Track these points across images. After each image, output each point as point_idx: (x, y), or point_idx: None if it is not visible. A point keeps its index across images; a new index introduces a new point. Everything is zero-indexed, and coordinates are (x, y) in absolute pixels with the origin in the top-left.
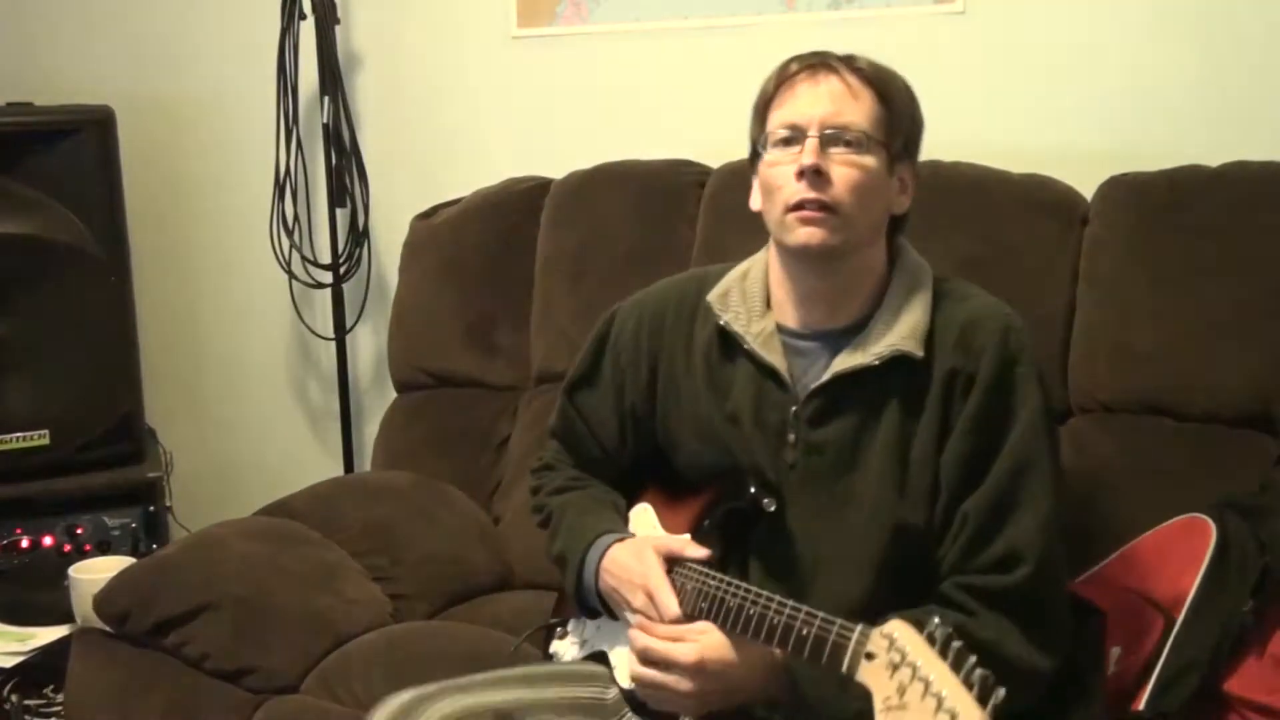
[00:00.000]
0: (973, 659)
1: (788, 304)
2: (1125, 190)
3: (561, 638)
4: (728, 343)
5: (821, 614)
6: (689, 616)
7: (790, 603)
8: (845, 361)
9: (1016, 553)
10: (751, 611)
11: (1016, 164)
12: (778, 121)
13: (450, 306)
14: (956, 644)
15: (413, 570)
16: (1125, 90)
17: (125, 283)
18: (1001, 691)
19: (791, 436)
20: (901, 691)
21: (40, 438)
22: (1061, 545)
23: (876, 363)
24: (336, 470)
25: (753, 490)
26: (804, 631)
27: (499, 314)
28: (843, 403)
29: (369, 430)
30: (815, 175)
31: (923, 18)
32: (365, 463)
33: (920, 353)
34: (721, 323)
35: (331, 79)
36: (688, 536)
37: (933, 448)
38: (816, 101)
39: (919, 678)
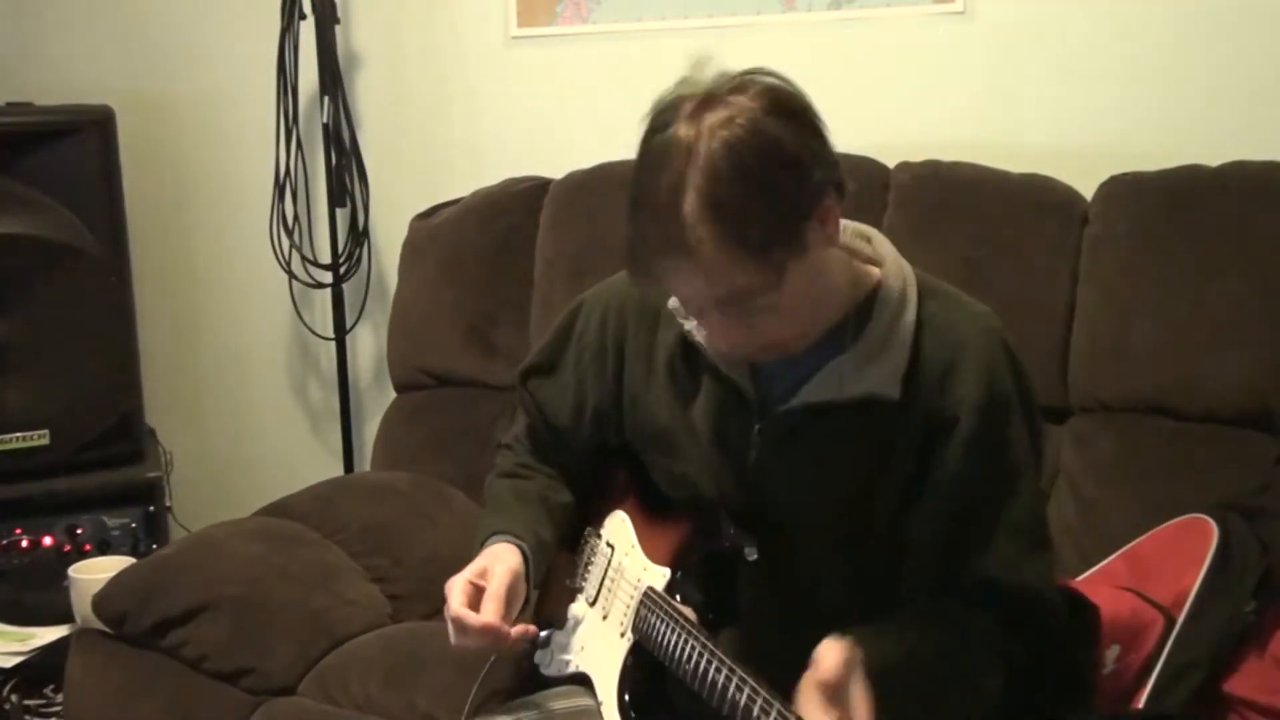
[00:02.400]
0: None
1: None
2: (1125, 190)
3: (544, 645)
4: (691, 349)
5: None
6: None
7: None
8: (815, 392)
9: (1025, 607)
10: (734, 693)
11: (1016, 164)
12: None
13: (450, 306)
14: None
15: (412, 571)
16: (1125, 90)
17: (125, 283)
18: None
19: (753, 455)
20: None
21: (40, 438)
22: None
23: (847, 402)
24: (336, 470)
25: (731, 532)
26: None
27: (499, 314)
28: (809, 429)
29: (369, 430)
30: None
31: (923, 18)
32: (365, 463)
33: (896, 395)
34: (684, 331)
35: (331, 79)
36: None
37: (902, 490)
38: (683, 285)
39: None
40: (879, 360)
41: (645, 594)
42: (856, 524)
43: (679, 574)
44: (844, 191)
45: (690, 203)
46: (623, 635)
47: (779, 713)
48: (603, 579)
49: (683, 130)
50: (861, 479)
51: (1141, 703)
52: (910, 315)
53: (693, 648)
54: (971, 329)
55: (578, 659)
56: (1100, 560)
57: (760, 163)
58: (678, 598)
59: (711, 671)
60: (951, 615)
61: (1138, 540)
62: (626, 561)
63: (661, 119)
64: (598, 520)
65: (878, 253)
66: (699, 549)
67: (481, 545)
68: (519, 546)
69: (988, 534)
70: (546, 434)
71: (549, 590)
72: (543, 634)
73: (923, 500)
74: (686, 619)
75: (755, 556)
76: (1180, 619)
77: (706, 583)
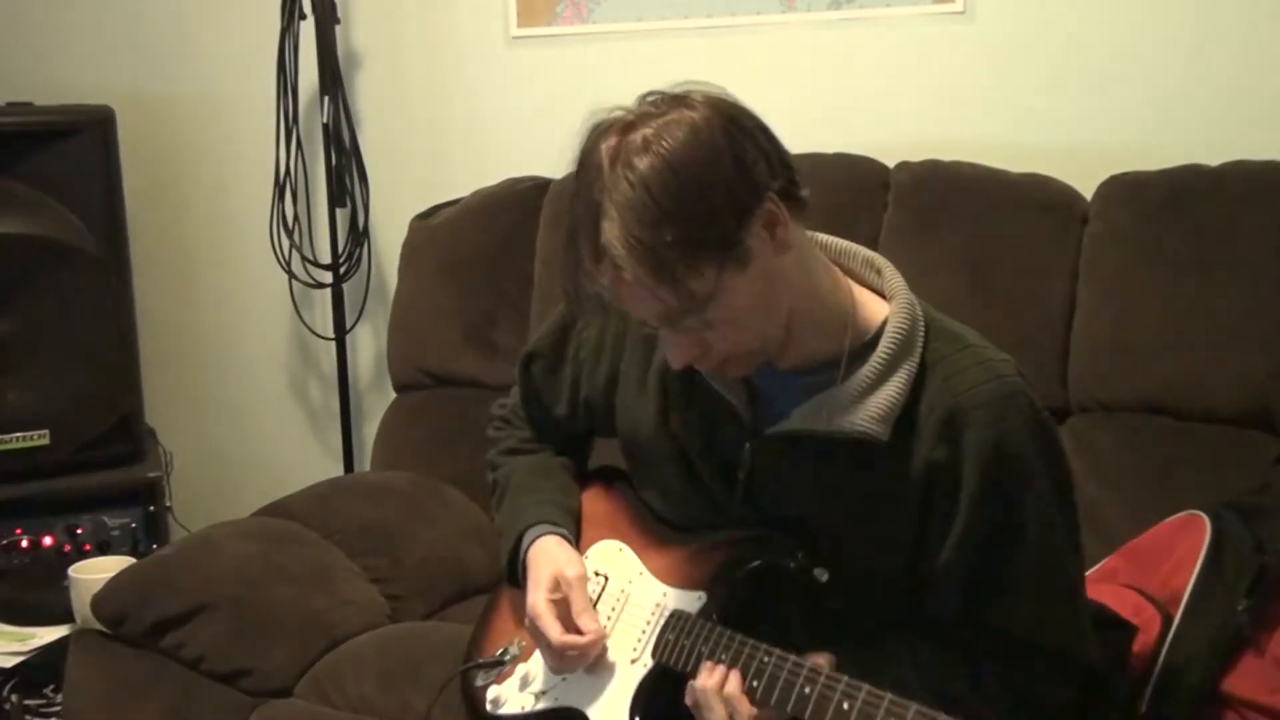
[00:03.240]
0: None
1: None
2: (1125, 190)
3: (502, 680)
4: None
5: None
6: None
7: (913, 706)
8: (801, 420)
9: (1060, 665)
10: (846, 706)
11: (1016, 164)
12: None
13: (450, 306)
14: None
15: (411, 571)
16: (1125, 90)
17: (125, 283)
18: None
19: (741, 475)
20: None
21: (40, 438)
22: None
23: (834, 434)
24: (336, 470)
25: (800, 555)
26: None
27: (499, 314)
28: (799, 456)
29: (369, 430)
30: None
31: (923, 18)
32: (365, 463)
33: (886, 436)
34: None
35: (331, 79)
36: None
37: (903, 537)
38: (624, 307)
39: None
40: (873, 398)
41: (671, 618)
42: (861, 561)
43: (714, 596)
44: (796, 195)
45: (609, 231)
46: (634, 663)
47: (916, 714)
48: (595, 608)
49: (604, 156)
50: (858, 515)
51: (1143, 704)
52: (914, 356)
53: (761, 663)
54: (982, 377)
55: (556, 692)
56: (1100, 560)
57: (679, 185)
58: (714, 617)
59: (797, 681)
60: (961, 660)
61: (1136, 538)
62: (633, 589)
63: (587, 144)
64: (579, 549)
65: (888, 286)
66: (744, 571)
67: (519, 536)
68: (562, 535)
69: (1002, 591)
70: (544, 417)
71: (494, 622)
72: (493, 670)
73: (929, 553)
74: (739, 636)
75: (826, 578)
76: (1176, 616)
77: (745, 603)
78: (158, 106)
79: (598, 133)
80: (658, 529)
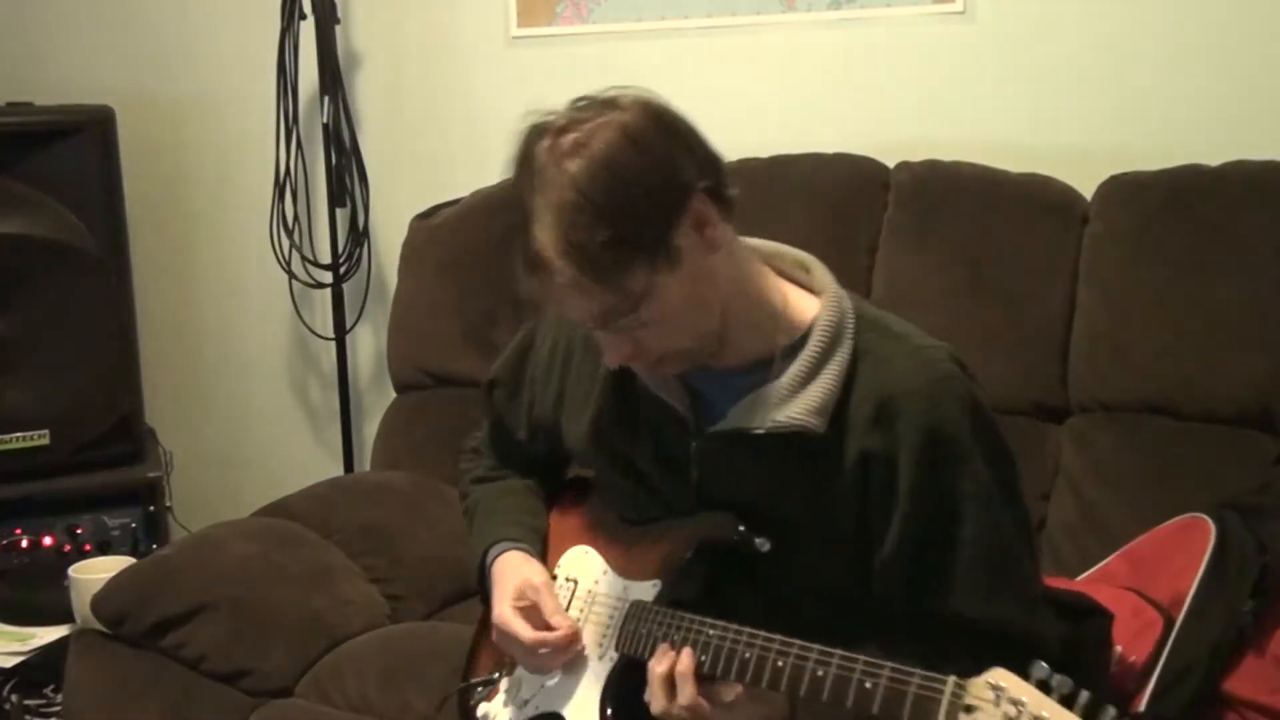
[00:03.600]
0: (1111, 709)
1: None
2: (1125, 190)
3: (491, 697)
4: (628, 372)
5: (890, 665)
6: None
7: (838, 652)
8: (738, 418)
9: (1013, 646)
10: (781, 664)
11: (1016, 164)
12: None
13: (450, 306)
14: (1084, 696)
15: (410, 571)
16: (1125, 90)
17: (125, 283)
18: None
19: (695, 474)
20: None
21: (40, 438)
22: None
23: (764, 432)
24: (336, 470)
25: (741, 528)
26: (867, 684)
27: (499, 314)
28: (742, 453)
29: (369, 430)
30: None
31: (923, 18)
32: (365, 463)
33: (823, 428)
34: None
35: (331, 79)
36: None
37: (850, 524)
38: (561, 308)
39: None
40: (806, 392)
41: (631, 609)
42: (813, 551)
43: (667, 582)
44: (724, 195)
45: (543, 234)
46: (602, 658)
47: (840, 661)
48: (567, 611)
49: (537, 159)
50: (805, 508)
51: (1143, 704)
52: (844, 348)
53: (705, 639)
54: (913, 365)
55: (537, 700)
56: (1100, 560)
57: (609, 187)
58: (670, 602)
59: (774, 657)
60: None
61: (1137, 540)
62: (599, 587)
63: (522, 147)
64: (550, 562)
65: (817, 283)
66: (690, 550)
67: (483, 554)
68: (524, 550)
69: (948, 574)
70: (508, 443)
71: (484, 642)
72: (485, 689)
73: (875, 542)
74: (688, 616)
75: (768, 548)
76: (1179, 619)
77: (700, 584)
78: (158, 106)
79: (531, 136)
80: (620, 528)
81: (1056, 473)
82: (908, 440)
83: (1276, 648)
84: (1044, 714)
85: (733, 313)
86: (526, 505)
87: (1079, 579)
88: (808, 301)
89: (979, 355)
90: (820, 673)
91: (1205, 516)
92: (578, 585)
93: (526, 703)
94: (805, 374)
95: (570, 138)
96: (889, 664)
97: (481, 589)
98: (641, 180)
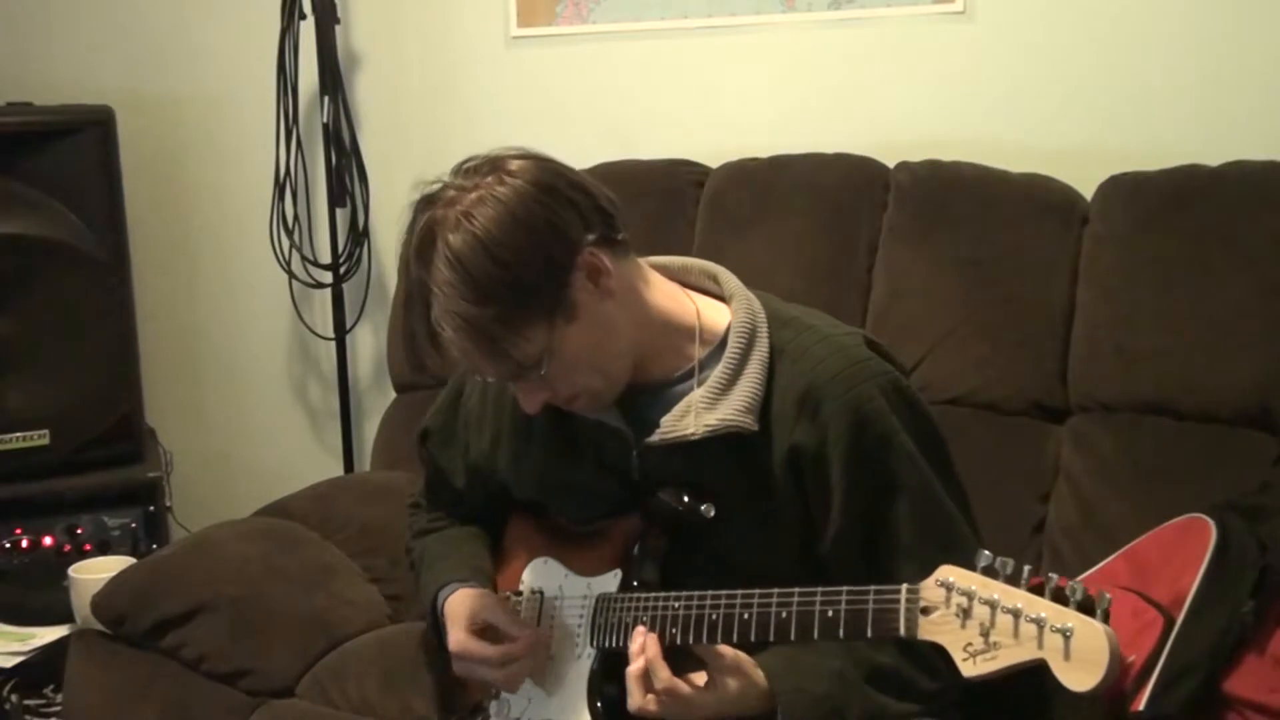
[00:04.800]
0: (1054, 576)
1: None
2: (1125, 190)
3: None
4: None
5: (846, 589)
6: (668, 649)
7: (796, 590)
8: (669, 427)
9: None
10: (747, 616)
11: (1016, 164)
12: None
13: None
14: (1027, 568)
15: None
16: (1125, 90)
17: (125, 283)
18: (1108, 596)
19: (638, 478)
20: (985, 633)
21: (40, 438)
22: None
23: (700, 437)
24: (336, 470)
25: (685, 499)
26: (829, 613)
27: None
28: (680, 460)
29: (369, 430)
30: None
31: (923, 18)
32: (365, 463)
33: (755, 426)
34: None
35: (331, 79)
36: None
37: (795, 523)
38: (469, 370)
39: (1005, 610)
40: (731, 394)
41: (598, 603)
42: (759, 548)
43: (626, 569)
44: (615, 238)
45: (435, 308)
46: (580, 657)
47: (799, 598)
48: (537, 625)
49: (425, 233)
50: (747, 506)
51: (1142, 704)
52: (760, 347)
53: (673, 612)
54: (827, 352)
55: (529, 714)
56: (1100, 560)
57: (493, 262)
58: (634, 586)
59: (740, 611)
60: None
61: (1137, 540)
62: (564, 592)
63: (413, 219)
64: (512, 583)
65: (726, 290)
66: (642, 526)
67: (434, 599)
68: (473, 586)
69: (898, 548)
70: (446, 492)
71: (461, 680)
72: (477, 715)
73: (818, 531)
74: (652, 594)
75: (714, 513)
76: (1179, 619)
77: (657, 566)
78: (158, 106)
79: (419, 209)
80: (575, 534)
81: (1056, 473)
82: (833, 427)
83: (1276, 648)
84: (995, 596)
85: (645, 340)
86: (471, 550)
87: (1080, 578)
88: (720, 309)
89: (979, 355)
90: (784, 614)
91: (1205, 517)
92: (543, 595)
93: None
94: (728, 377)
95: (454, 211)
96: (844, 589)
97: (437, 635)
98: (525, 253)
